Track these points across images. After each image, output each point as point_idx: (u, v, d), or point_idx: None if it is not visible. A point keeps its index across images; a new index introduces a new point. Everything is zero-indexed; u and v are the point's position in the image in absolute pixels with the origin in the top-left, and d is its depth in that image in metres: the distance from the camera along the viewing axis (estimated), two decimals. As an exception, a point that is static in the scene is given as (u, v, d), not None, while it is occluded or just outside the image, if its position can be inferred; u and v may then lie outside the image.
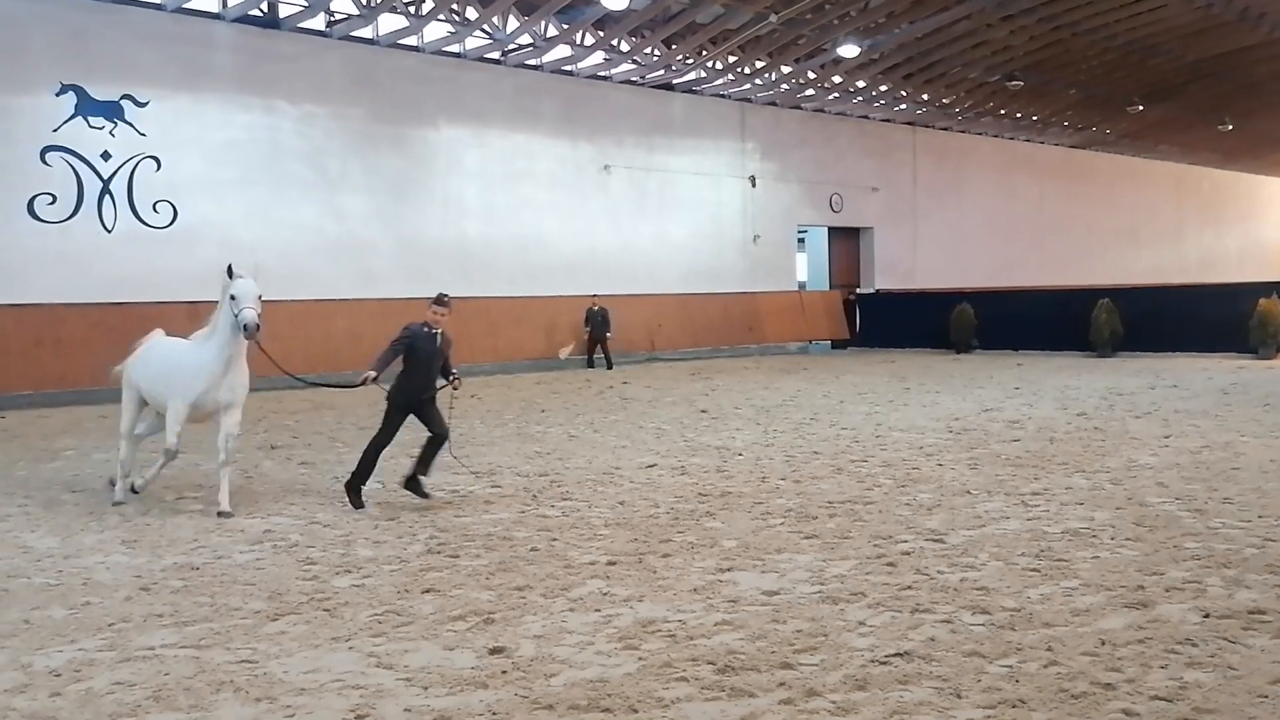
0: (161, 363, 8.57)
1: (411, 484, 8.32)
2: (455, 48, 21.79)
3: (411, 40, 21.26)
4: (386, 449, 8.53)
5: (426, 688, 4.41)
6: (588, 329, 23.13)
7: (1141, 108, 31.94)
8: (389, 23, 20.84)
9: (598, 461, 10.17)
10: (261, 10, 19.44)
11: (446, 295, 8.88)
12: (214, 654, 4.85)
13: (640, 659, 4.68)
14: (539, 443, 11.61)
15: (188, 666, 4.70)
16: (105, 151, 17.86)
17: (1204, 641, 4.70)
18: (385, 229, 21.10)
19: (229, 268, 8.46)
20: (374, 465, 8.42)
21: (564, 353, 22.92)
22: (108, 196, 17.90)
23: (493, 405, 15.79)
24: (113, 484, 8.73)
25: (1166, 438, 10.79)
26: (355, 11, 20.13)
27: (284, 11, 19.70)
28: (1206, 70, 30.06)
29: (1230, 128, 35.38)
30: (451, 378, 8.75)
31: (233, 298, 8.22)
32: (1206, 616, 5.05)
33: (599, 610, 5.41)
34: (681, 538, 6.94)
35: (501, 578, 6.06)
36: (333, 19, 20.31)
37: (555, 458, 10.51)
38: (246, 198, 19.32)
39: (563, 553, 6.61)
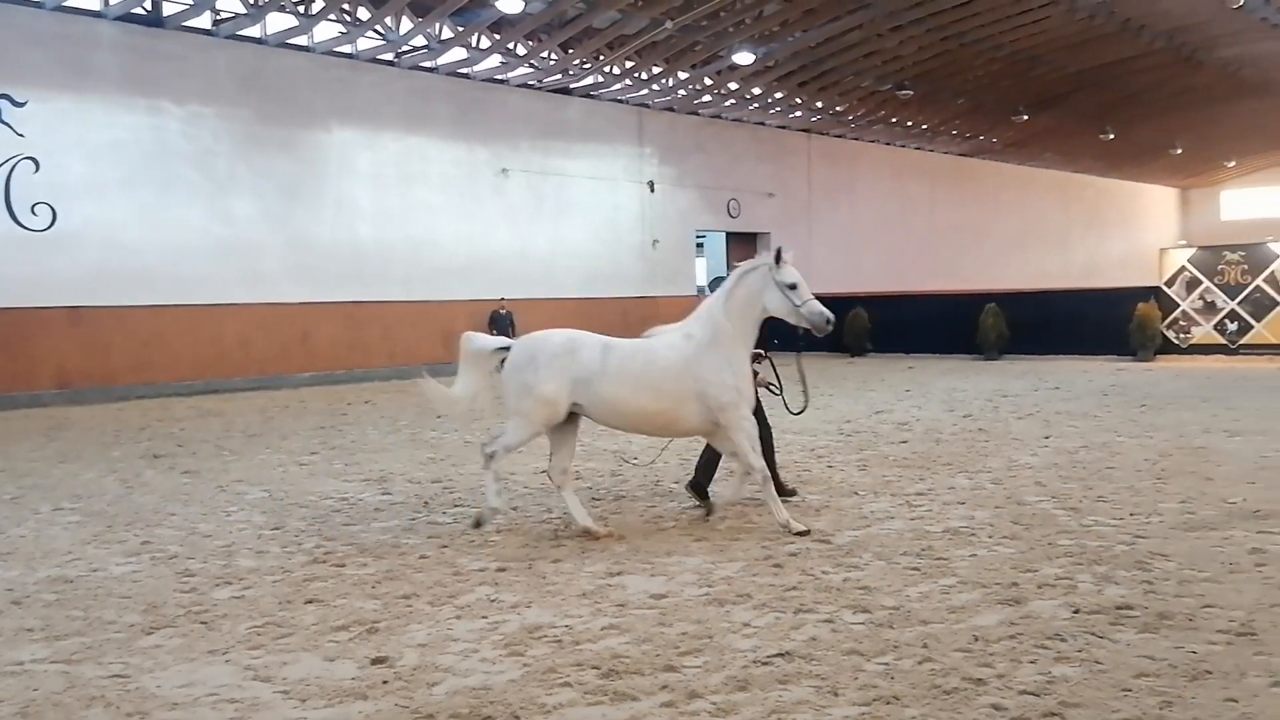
0: (715, 364, 7.12)
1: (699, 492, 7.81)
2: (347, 48, 21.39)
3: (301, 40, 20.79)
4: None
5: (304, 700, 4.32)
6: (493, 332, 22.95)
7: (1026, 117, 33.10)
8: (277, 22, 20.34)
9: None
10: (145, 9, 18.78)
11: None
12: (85, 669, 4.71)
13: (525, 665, 4.65)
14: (433, 449, 11.47)
15: (57, 682, 4.55)
16: (-19, 152, 17.07)
17: (1073, 636, 4.86)
18: (275, 232, 20.58)
19: (778, 252, 7.25)
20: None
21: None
22: (-17, 198, 17.11)
23: (387, 411, 15.54)
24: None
25: (1047, 438, 11.17)
26: (242, 10, 19.59)
27: (168, 10, 19.06)
28: (1089, 80, 31.27)
29: (1112, 136, 36.91)
30: None
31: (792, 287, 7.19)
32: (1076, 612, 5.22)
33: (486, 617, 5.36)
34: (573, 542, 6.92)
35: (388, 586, 5.95)
36: (219, 18, 19.73)
37: (449, 464, 10.40)
38: (131, 200, 18.65)
39: (452, 560, 6.53)
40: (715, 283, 8.67)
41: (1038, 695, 4.21)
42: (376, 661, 4.73)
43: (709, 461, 7.94)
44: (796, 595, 5.60)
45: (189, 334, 19.23)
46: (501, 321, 22.87)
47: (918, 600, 5.48)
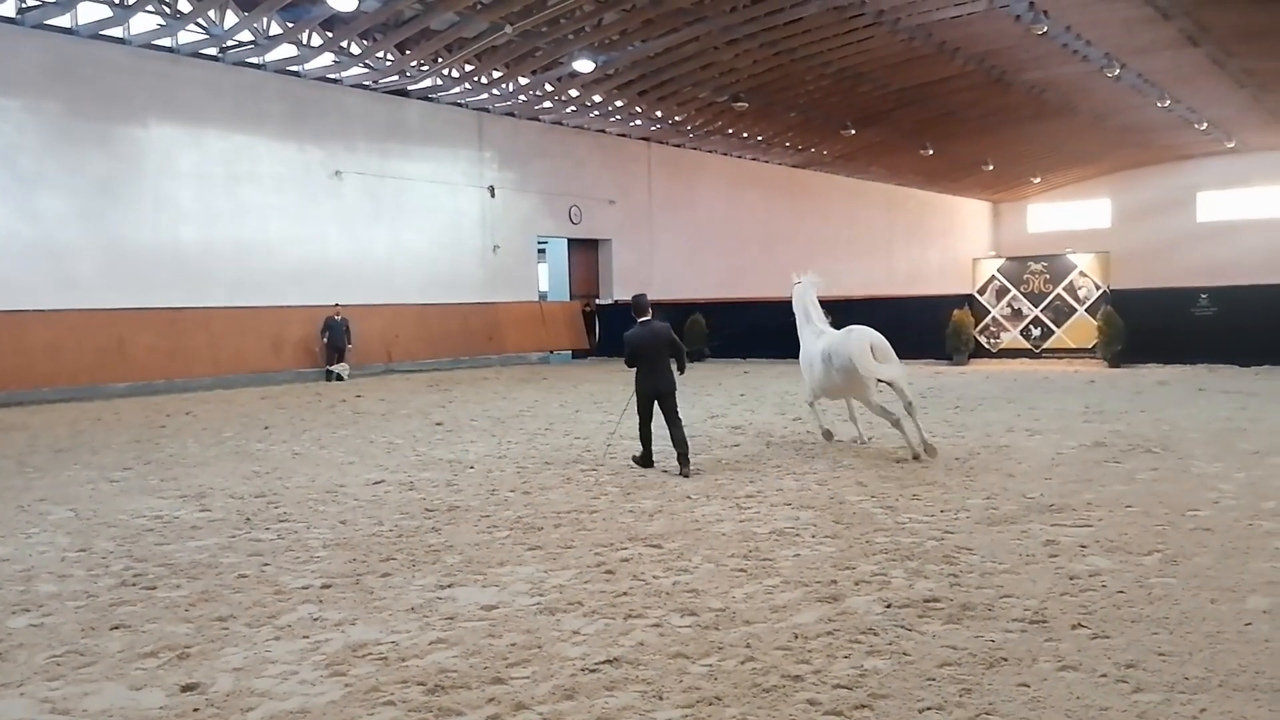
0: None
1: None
2: (167, 41, 20.35)
3: (116, 31, 19.66)
4: None
5: (106, 734, 4.09)
6: (325, 338, 22.30)
7: (854, 131, 34.45)
8: (90, 12, 19.15)
9: (321, 479, 9.78)
10: (-62, -9, 17.39)
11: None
12: None
13: (347, 685, 4.54)
14: (258, 461, 11.02)
15: None
16: None
17: (884, 630, 5.10)
18: (89, 233, 19.34)
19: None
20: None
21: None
22: None
23: (210, 422, 14.84)
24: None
25: (868, 439, 11.66)
26: (51, -2, 18.37)
27: (-35, -6, 17.70)
28: (910, 98, 32.79)
29: (931, 152, 38.87)
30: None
31: None
32: (889, 606, 5.48)
33: (307, 636, 5.20)
34: (403, 555, 6.79)
35: (203, 608, 5.70)
36: (24, 5, 18.42)
37: (275, 477, 10.01)
38: (-79, 196, 17.18)
39: (274, 578, 6.31)
40: (636, 300, 10.69)
41: (850, 689, 4.39)
42: (187, 689, 4.53)
43: (646, 436, 10.16)
44: (627, 601, 5.67)
45: (-12, 341, 17.84)
46: (336, 328, 22.28)
47: (743, 601, 5.63)
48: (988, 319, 23.26)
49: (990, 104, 34.53)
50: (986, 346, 23.20)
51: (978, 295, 23.44)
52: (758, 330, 25.58)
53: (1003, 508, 7.87)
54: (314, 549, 7.04)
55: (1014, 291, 23.10)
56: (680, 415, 10.17)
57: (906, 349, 22.68)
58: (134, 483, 9.79)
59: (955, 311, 22.91)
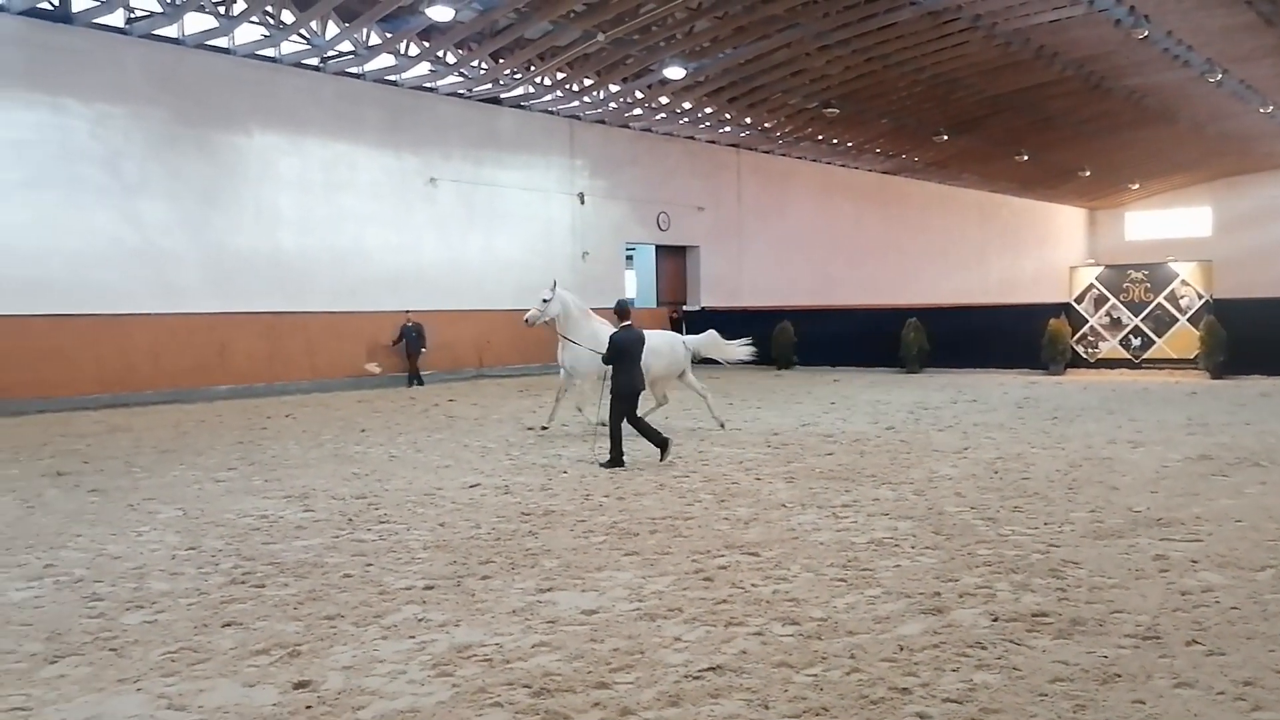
0: None
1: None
2: (270, 51, 20.96)
3: (221, 42, 20.31)
4: None
5: (222, 728, 4.19)
6: (398, 344, 22.41)
7: (946, 137, 33.91)
8: (196, 22, 19.83)
9: (419, 482, 9.93)
10: (52, 4, 18.15)
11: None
12: (-19, 702, 4.46)
13: (454, 686, 4.58)
14: (357, 464, 11.24)
15: (-50, 717, 4.31)
16: None
17: (993, 644, 4.97)
18: (191, 239, 19.96)
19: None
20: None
21: (373, 368, 22.39)
22: (-127, 200, 16.30)
23: (309, 425, 15.20)
24: None
25: (965, 449, 11.41)
26: (158, 9, 19.06)
27: (77, 6, 18.43)
28: (1005, 104, 32.17)
29: (1026, 158, 38.04)
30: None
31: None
32: (996, 620, 5.34)
33: (413, 637, 5.26)
34: (502, 558, 6.85)
35: (310, 607, 5.81)
36: (132, 16, 19.15)
37: (374, 479, 10.20)
38: (31, 202, 17.77)
39: (378, 578, 6.41)
40: (619, 305, 11.49)
41: (960, 703, 4.28)
42: (299, 686, 4.60)
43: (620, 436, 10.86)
44: (727, 608, 5.62)
45: (94, 346, 18.44)
46: (409, 334, 22.40)
47: (845, 611, 5.54)
48: (1085, 328, 22.62)
49: (1088, 110, 33.68)
50: (1084, 356, 22.56)
51: (1075, 304, 22.82)
52: (846, 338, 25.30)
53: (1108, 521, 7.63)
54: (415, 550, 7.14)
55: (1113, 300, 22.42)
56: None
57: (1000, 358, 22.73)
58: (239, 483, 10.06)
59: (1052, 320, 22.35)
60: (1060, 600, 5.66)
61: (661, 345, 13.15)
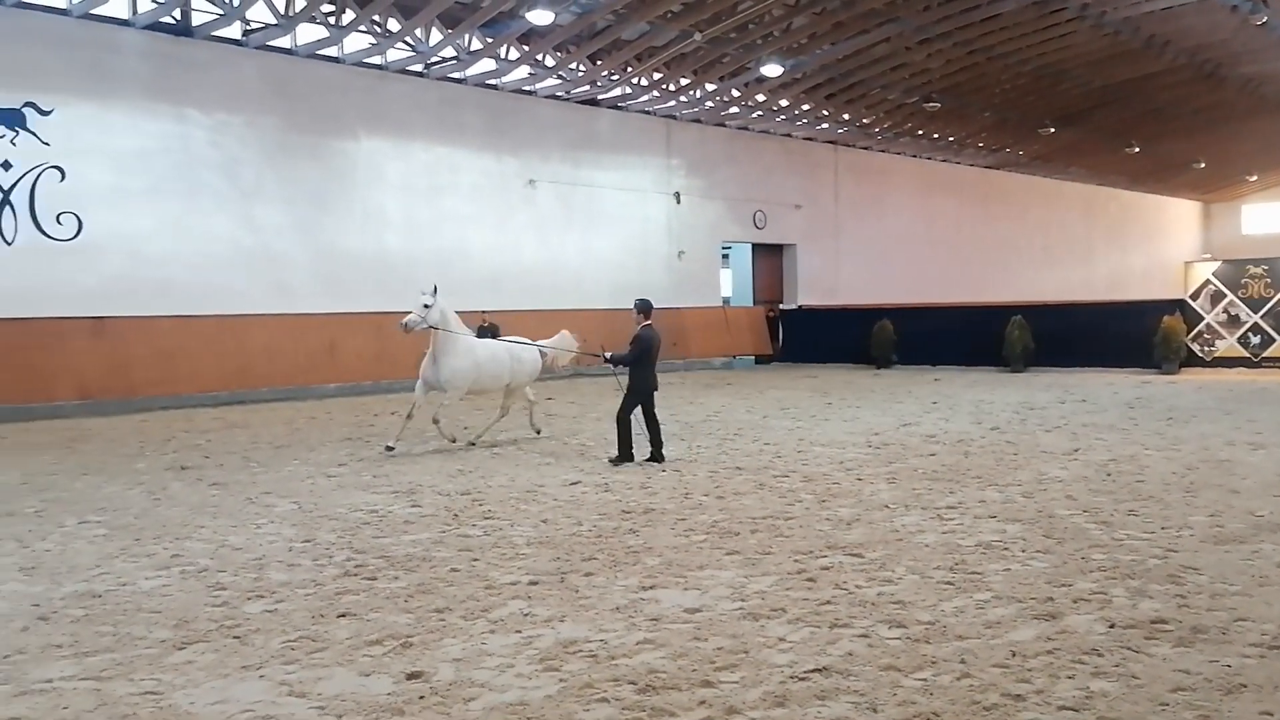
0: None
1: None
2: (376, 59, 21.54)
3: (331, 51, 20.96)
4: None
5: (341, 716, 4.32)
6: None
7: (1052, 130, 32.95)
8: (308, 33, 20.51)
9: (521, 479, 10.09)
10: (174, 18, 18.98)
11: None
12: (116, 686, 4.68)
13: (561, 680, 4.65)
14: (461, 460, 11.48)
15: (88, 699, 4.52)
16: (6, 161, 17.17)
17: (1109, 651, 4.83)
18: (303, 241, 20.67)
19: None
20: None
21: None
22: (8, 208, 17.23)
23: (414, 422, 15.52)
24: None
25: (1075, 451, 11.10)
26: (272, 21, 19.77)
27: (197, 20, 19.23)
28: (1113, 96, 31.13)
29: (1136, 150, 36.73)
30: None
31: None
32: (1112, 627, 5.19)
33: (520, 631, 5.36)
34: (604, 555, 6.92)
35: (420, 600, 5.96)
36: (248, 28, 19.91)
37: (478, 475, 10.41)
38: (156, 208, 18.70)
39: (484, 573, 6.54)
40: (642, 304, 11.79)
41: (1077, 710, 4.18)
42: (412, 676, 4.73)
43: (630, 433, 11.08)
44: (831, 610, 5.58)
45: (214, 344, 19.26)
46: (485, 335, 22.38)
47: (953, 615, 5.45)
48: (1201, 326, 21.76)
49: (1202, 100, 32.39)
50: (1199, 355, 21.69)
51: (1190, 300, 21.97)
52: (947, 337, 24.81)
53: (1229, 526, 7.35)
54: (519, 546, 7.26)
55: (1231, 296, 21.52)
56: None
57: (1109, 357, 22.01)
58: (349, 478, 10.37)
59: (1165, 318, 21.53)
60: (1180, 607, 5.48)
61: (530, 354, 13.35)
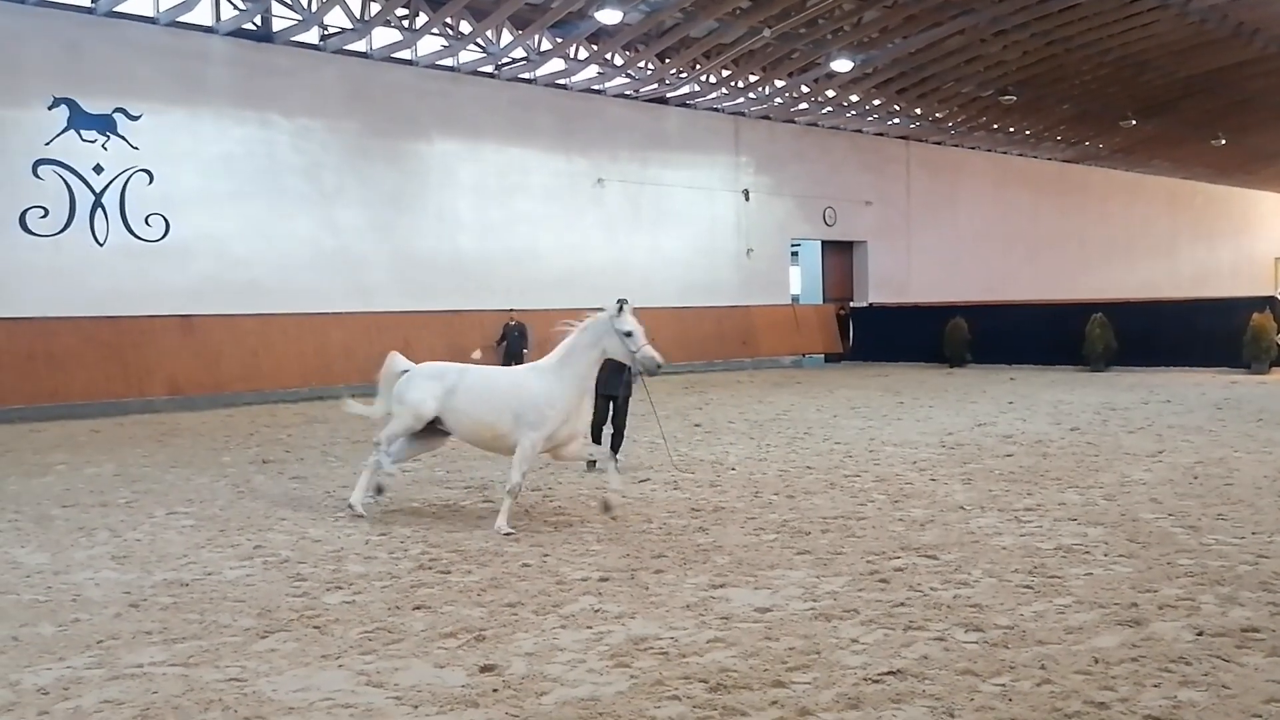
0: (487, 389, 8.17)
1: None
2: (449, 61, 21.82)
3: (405, 54, 21.29)
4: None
5: (417, 706, 4.38)
6: (503, 345, 21.62)
7: (1135, 122, 32.09)
8: (383, 36, 20.87)
9: (590, 476, 10.14)
10: (255, 24, 19.47)
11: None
12: (203, 672, 4.82)
13: (632, 677, 4.66)
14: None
15: (176, 685, 4.66)
16: (98, 165, 17.83)
17: (1198, 660, 4.68)
18: (380, 242, 21.08)
19: (620, 303, 8.01)
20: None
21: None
22: (100, 210, 17.87)
23: (486, 419, 15.71)
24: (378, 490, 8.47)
25: (1160, 453, 10.79)
26: (349, 25, 20.15)
27: (278, 25, 19.71)
28: (1199, 86, 30.23)
29: (1223, 142, 35.58)
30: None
31: (628, 334, 7.89)
32: (1200, 634, 5.03)
33: (591, 627, 5.38)
34: (674, 553, 6.91)
35: (493, 594, 6.02)
36: (326, 33, 20.33)
37: (547, 472, 10.46)
38: (241, 211, 19.29)
39: (555, 569, 6.58)
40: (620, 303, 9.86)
41: (1163, 721, 4.06)
42: (485, 669, 4.78)
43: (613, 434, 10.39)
44: (905, 612, 5.50)
45: (296, 342, 19.79)
46: (512, 334, 21.71)
47: (1033, 620, 5.33)
48: (1294, 323, 21.00)
49: (1295, 89, 31.26)
50: (1293, 355, 20.93)
51: (1282, 297, 21.21)
52: (1023, 335, 24.30)
53: (1327, 533, 7.06)
54: (589, 543, 7.29)
55: (1327, 293, 20.72)
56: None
57: (1196, 356, 21.33)
58: (424, 474, 10.53)
59: (1254, 315, 20.85)
60: (1273, 615, 5.28)
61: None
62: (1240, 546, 6.74)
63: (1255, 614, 5.32)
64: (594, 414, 9.63)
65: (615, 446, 10.34)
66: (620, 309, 7.92)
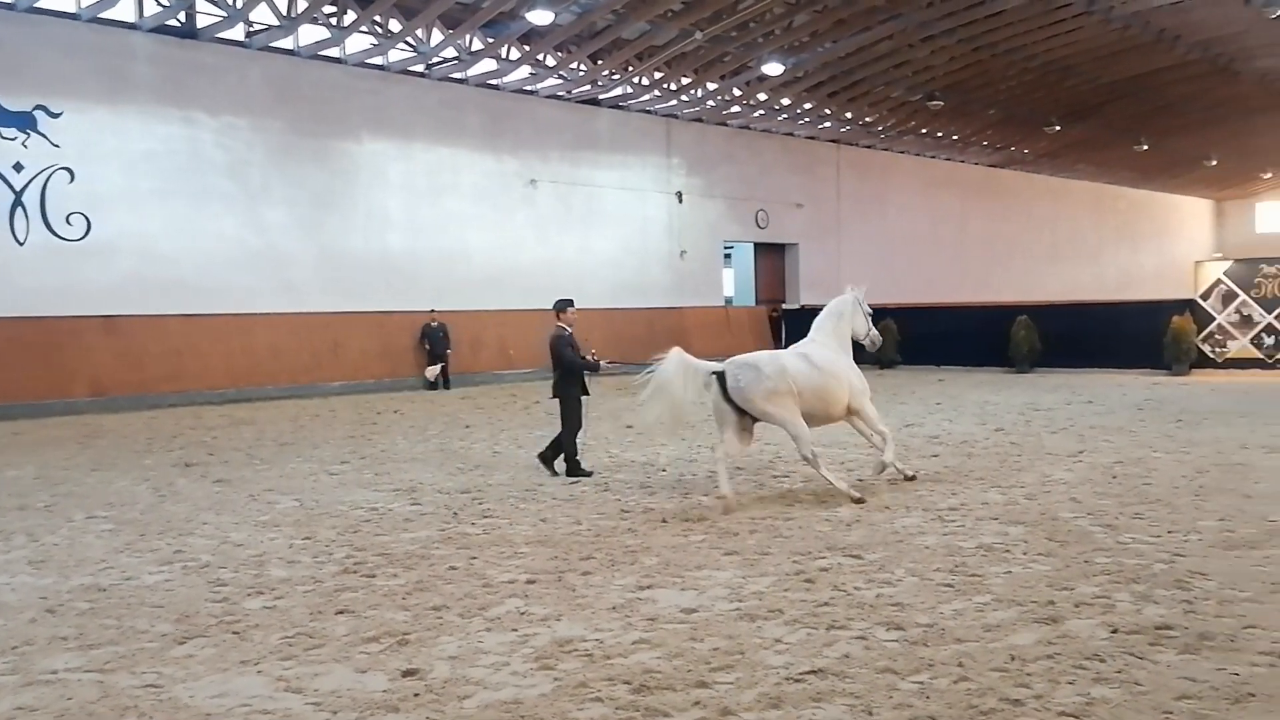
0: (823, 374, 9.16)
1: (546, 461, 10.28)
2: (379, 60, 21.56)
3: (334, 52, 20.97)
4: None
5: (336, 712, 4.32)
6: (426, 346, 21.69)
7: (1059, 128, 32.84)
8: (310, 34, 20.53)
9: (520, 478, 10.08)
10: (179, 21, 19.02)
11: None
12: (119, 678, 4.74)
13: (556, 679, 4.63)
14: (462, 459, 11.47)
15: (92, 690, 4.58)
16: (17, 163, 17.32)
17: (1112, 657, 4.77)
18: (307, 241, 20.74)
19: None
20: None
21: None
22: (20, 209, 17.35)
23: (416, 420, 15.58)
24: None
25: (1081, 453, 11.02)
26: (275, 22, 19.78)
27: (202, 22, 19.28)
28: (1122, 91, 30.99)
29: (1146, 148, 36.56)
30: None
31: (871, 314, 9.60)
32: (1115, 632, 5.13)
33: (516, 630, 5.34)
34: (602, 555, 6.89)
35: (418, 597, 5.95)
36: (252, 29, 19.93)
37: (478, 474, 10.40)
38: (165, 210, 18.86)
39: (482, 571, 6.52)
40: (560, 304, 10.82)
41: (1077, 717, 4.13)
42: (407, 674, 4.72)
43: (556, 443, 10.37)
44: (829, 611, 5.55)
45: (221, 342, 19.38)
46: (434, 334, 21.73)
47: (952, 618, 5.40)
48: (1212, 326, 21.62)
49: (1215, 95, 32.20)
50: (1211, 356, 21.54)
51: (1200, 301, 21.83)
52: (952, 337, 24.72)
53: (1240, 531, 7.25)
54: (517, 545, 7.24)
55: (1243, 296, 21.39)
56: None
57: (1118, 358, 21.86)
58: (351, 476, 10.38)
59: (1175, 318, 21.34)
60: (1186, 613, 5.40)
61: None
62: (1156, 545, 6.90)
63: (1169, 612, 5.44)
64: (577, 418, 10.44)
65: (559, 451, 10.37)
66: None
